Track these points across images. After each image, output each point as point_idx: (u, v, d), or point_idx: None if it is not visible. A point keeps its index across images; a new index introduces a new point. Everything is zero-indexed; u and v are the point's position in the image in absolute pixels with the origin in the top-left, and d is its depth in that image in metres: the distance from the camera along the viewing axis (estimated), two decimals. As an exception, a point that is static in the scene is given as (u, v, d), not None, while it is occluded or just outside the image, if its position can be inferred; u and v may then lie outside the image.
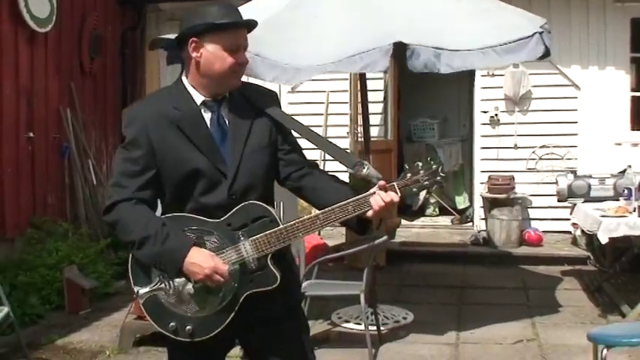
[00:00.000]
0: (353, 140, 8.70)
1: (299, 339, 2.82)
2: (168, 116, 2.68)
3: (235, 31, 2.70)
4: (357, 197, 2.65)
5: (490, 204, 8.95)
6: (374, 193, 2.65)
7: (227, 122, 2.74)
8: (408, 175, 2.70)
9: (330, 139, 2.98)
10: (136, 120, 2.71)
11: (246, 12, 6.15)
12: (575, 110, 9.26)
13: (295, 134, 2.86)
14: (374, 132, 8.55)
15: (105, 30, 9.12)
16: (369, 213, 2.65)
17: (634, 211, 6.09)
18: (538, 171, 9.29)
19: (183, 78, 2.78)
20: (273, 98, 2.86)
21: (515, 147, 9.32)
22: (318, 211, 2.68)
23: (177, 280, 2.64)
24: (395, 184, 2.67)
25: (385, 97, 9.39)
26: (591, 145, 9.21)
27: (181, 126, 2.68)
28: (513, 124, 9.35)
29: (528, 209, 9.19)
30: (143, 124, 2.68)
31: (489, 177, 9.02)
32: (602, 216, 6.13)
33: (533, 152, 9.29)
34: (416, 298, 6.98)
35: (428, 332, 5.96)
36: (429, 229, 9.72)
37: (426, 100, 10.84)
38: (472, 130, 9.90)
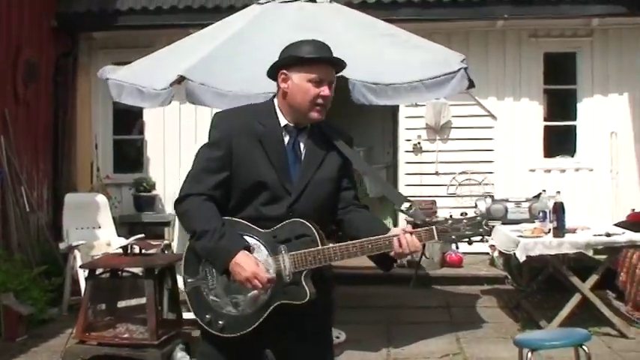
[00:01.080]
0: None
1: (319, 356, 3.05)
2: (253, 128, 2.94)
3: (320, 65, 2.92)
4: (379, 237, 2.84)
5: (413, 227, 9.33)
6: (397, 235, 2.82)
7: (302, 149, 2.98)
8: (450, 221, 2.84)
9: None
10: (224, 124, 2.97)
11: (191, 45, 6.46)
12: (492, 139, 9.86)
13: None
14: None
15: (40, 57, 9.20)
16: (393, 253, 2.86)
17: (549, 231, 6.57)
18: (458, 196, 9.80)
19: (275, 99, 3.03)
20: (348, 139, 3.09)
21: (437, 173, 9.81)
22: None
23: (220, 277, 2.87)
24: (434, 228, 2.82)
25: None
26: (507, 171, 9.81)
27: (262, 140, 2.92)
28: (435, 151, 9.86)
29: (450, 232, 9.63)
30: (229, 129, 2.94)
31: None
32: (520, 237, 6.58)
33: (454, 178, 9.81)
34: (346, 319, 7.23)
35: (361, 350, 6.25)
36: (356, 252, 10.05)
37: (352, 129, 11.12)
38: (396, 157, 10.36)
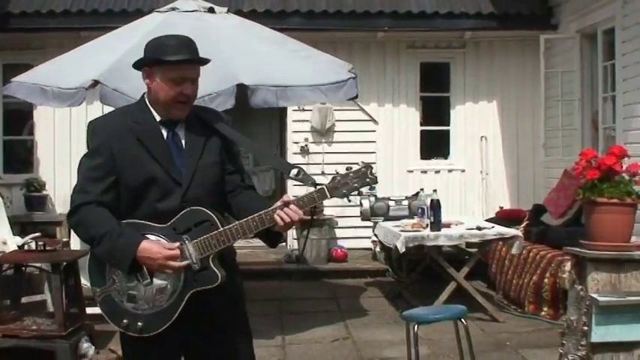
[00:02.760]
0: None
1: (238, 346, 3.07)
2: (129, 129, 2.94)
3: (183, 65, 2.91)
4: (261, 212, 2.84)
5: (301, 225, 9.88)
6: (278, 207, 2.84)
7: (183, 140, 3.00)
8: (338, 178, 2.89)
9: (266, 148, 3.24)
10: (100, 130, 2.98)
11: (97, 50, 6.70)
12: (374, 142, 10.55)
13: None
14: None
15: None
16: (277, 227, 2.87)
17: (427, 226, 7.22)
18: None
19: (145, 97, 3.03)
20: (222, 118, 3.12)
21: (323, 174, 10.34)
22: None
23: (127, 280, 2.86)
24: (325, 187, 2.87)
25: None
26: (388, 171, 10.48)
27: (141, 138, 2.93)
28: (321, 153, 10.43)
29: (335, 229, 10.23)
30: (106, 134, 2.94)
31: (300, 201, 9.95)
32: (401, 231, 7.20)
33: (339, 178, 10.37)
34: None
35: (256, 338, 6.65)
36: (247, 249, 10.38)
37: (241, 132, 11.63)
38: (284, 159, 10.86)
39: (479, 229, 7.33)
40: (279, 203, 2.87)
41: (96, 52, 6.66)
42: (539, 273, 7.24)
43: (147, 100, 3.02)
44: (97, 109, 9.77)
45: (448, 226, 7.38)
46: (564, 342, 4.12)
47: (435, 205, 7.21)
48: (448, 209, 9.15)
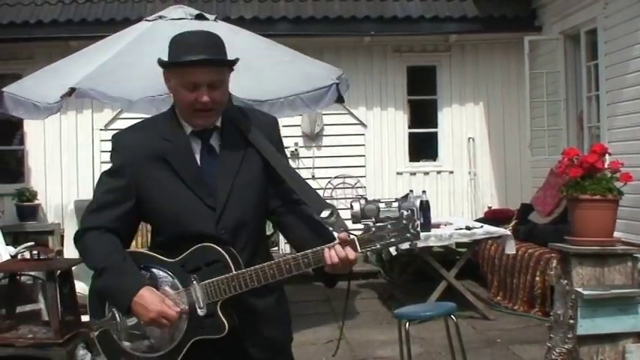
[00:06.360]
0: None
1: None
2: (156, 148, 2.56)
3: (191, 69, 2.47)
4: (313, 250, 2.46)
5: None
6: (331, 246, 2.44)
7: (218, 153, 2.60)
8: (373, 229, 2.43)
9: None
10: (124, 148, 2.61)
11: (80, 59, 6.76)
12: (363, 145, 10.66)
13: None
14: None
15: None
16: (326, 268, 2.47)
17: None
18: (334, 198, 10.47)
19: (175, 106, 2.63)
20: (267, 124, 2.70)
21: (314, 178, 10.45)
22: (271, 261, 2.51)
23: (128, 317, 2.54)
24: (355, 238, 2.43)
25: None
26: (377, 174, 10.61)
27: (169, 159, 2.56)
28: (311, 157, 10.53)
29: (327, 232, 10.30)
30: (130, 153, 2.58)
31: (292, 205, 10.05)
32: (392, 233, 7.28)
33: (329, 182, 10.48)
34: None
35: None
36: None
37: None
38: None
39: (468, 229, 7.43)
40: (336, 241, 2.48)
41: (79, 62, 6.70)
42: (530, 272, 7.35)
43: (176, 109, 2.63)
44: (86, 118, 9.88)
45: (438, 226, 7.49)
46: (552, 336, 4.23)
47: (425, 207, 7.31)
48: (437, 210, 9.34)
